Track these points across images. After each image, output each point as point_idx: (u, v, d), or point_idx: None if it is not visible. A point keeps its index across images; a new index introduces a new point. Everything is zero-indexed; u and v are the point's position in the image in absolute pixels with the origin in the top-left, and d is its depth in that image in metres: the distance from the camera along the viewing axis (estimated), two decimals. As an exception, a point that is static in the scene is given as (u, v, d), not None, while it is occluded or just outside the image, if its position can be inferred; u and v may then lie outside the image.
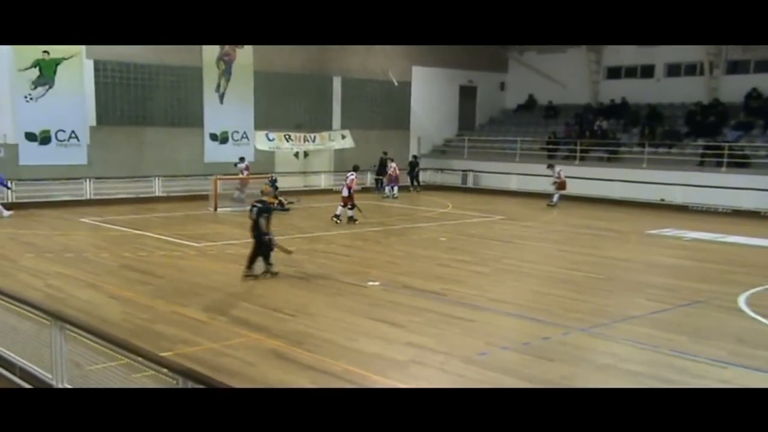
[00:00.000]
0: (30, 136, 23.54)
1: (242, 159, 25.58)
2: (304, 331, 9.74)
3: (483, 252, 16.62)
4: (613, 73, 33.69)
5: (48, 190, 23.29)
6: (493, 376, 8.17)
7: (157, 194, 25.31)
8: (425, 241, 17.89)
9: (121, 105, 25.44)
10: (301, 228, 19.65)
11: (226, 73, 27.52)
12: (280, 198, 23.44)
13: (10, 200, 21.75)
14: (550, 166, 26.87)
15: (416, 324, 10.22)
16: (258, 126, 28.24)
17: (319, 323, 10.19)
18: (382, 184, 29.41)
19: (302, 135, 29.12)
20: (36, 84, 23.43)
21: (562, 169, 26.51)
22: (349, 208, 20.46)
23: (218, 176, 23.86)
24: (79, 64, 24.07)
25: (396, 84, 32.20)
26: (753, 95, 28.73)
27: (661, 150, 28.48)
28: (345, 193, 20.51)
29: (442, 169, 33.70)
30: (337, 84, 31.03)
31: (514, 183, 30.09)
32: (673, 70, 31.78)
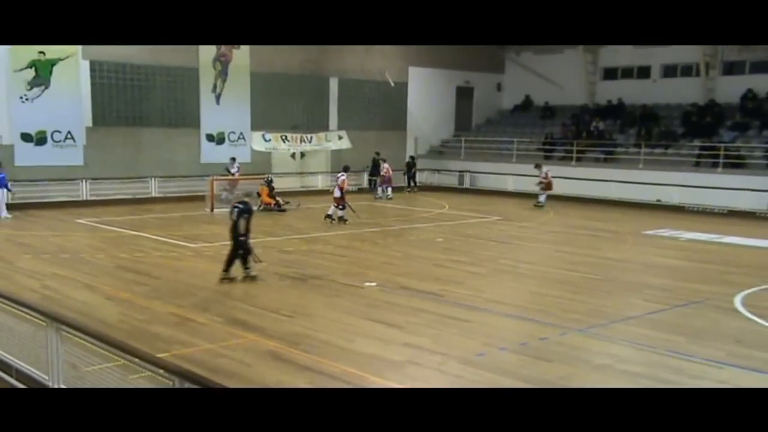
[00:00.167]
0: (26, 137, 23.46)
1: (233, 159, 25.54)
2: (302, 332, 9.73)
3: (480, 253, 16.63)
4: (610, 73, 33.74)
5: (44, 191, 23.23)
6: (490, 376, 8.16)
7: (153, 195, 25.27)
8: (422, 242, 17.89)
9: (117, 106, 25.38)
10: (299, 229, 19.65)
11: (223, 73, 27.47)
12: (278, 198, 23.47)
13: (6, 201, 21.66)
14: (538, 166, 26.76)
15: (413, 325, 10.22)
16: (255, 127, 28.20)
17: (316, 324, 10.18)
18: (376, 184, 29.39)
19: (299, 136, 29.10)
20: (32, 85, 23.35)
21: (550, 170, 26.48)
22: (340, 209, 20.47)
23: (215, 177, 23.84)
24: (75, 65, 24.01)
25: (393, 85, 32.20)
26: (749, 96, 28.80)
27: (657, 151, 28.53)
28: (337, 194, 20.51)
29: (438, 170, 33.71)
30: (333, 85, 31.00)
31: (510, 184, 30.11)
32: (669, 71, 31.85)
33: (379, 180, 28.86)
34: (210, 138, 27.48)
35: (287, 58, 28.42)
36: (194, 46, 26.03)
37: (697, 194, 25.24)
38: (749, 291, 12.76)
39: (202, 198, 23.78)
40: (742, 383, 8.11)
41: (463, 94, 35.90)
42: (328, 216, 20.54)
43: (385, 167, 28.47)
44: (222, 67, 27.41)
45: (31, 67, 23.26)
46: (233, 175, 24.87)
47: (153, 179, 25.47)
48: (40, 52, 23.25)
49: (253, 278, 12.69)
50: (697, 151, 27.55)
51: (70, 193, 23.74)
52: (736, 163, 26.21)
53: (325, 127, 30.60)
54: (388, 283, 12.81)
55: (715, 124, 28.53)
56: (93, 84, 24.64)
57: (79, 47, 23.73)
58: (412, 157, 32.29)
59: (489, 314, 11.05)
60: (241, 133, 28.09)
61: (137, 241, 17.19)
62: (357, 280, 12.99)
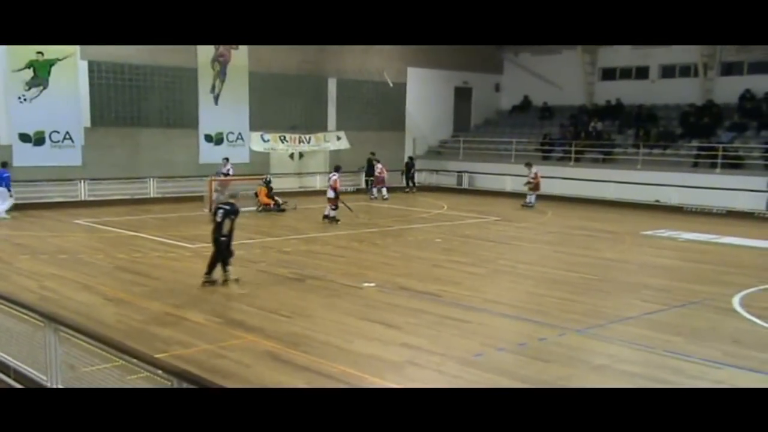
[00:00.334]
0: (24, 137, 23.44)
1: (226, 159, 25.50)
2: (300, 333, 9.72)
3: (478, 253, 16.63)
4: (608, 74, 33.75)
5: (42, 191, 23.21)
6: (489, 377, 8.17)
7: (151, 195, 25.26)
8: (421, 243, 17.89)
9: (115, 106, 25.37)
10: (297, 229, 19.65)
11: (221, 74, 27.46)
12: (276, 198, 23.47)
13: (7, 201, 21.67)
14: (528, 165, 26.81)
15: (412, 325, 10.22)
16: (253, 127, 28.19)
17: (315, 325, 10.17)
18: (371, 185, 29.38)
19: (297, 136, 29.10)
20: (30, 85, 23.33)
21: (539, 170, 26.53)
22: (333, 209, 20.49)
23: (213, 177, 23.83)
24: (73, 65, 23.99)
25: (391, 85, 32.20)
26: (747, 96, 28.84)
27: (655, 151, 28.55)
28: (330, 194, 20.52)
29: (437, 170, 33.71)
30: (332, 85, 31.00)
31: (509, 184, 30.10)
32: (667, 72, 31.88)
33: (373, 181, 28.88)
34: (208, 138, 27.46)
35: (286, 58, 28.43)
36: (192, 47, 26.03)
37: (695, 195, 25.26)
38: (747, 291, 12.77)
39: (200, 198, 23.75)
40: (740, 383, 8.12)
41: (462, 95, 35.91)
42: (326, 216, 20.56)
43: (379, 167, 28.46)
44: (220, 68, 27.40)
45: (29, 68, 23.24)
46: (225, 175, 24.77)
47: (151, 180, 25.46)
48: (38, 53, 23.23)
49: (236, 281, 12.37)
50: (695, 152, 27.59)
51: (68, 193, 23.73)
52: (735, 164, 26.23)
53: (323, 128, 30.60)
54: (386, 284, 12.80)
55: (713, 124, 28.56)
56: (91, 84, 24.63)
57: (78, 47, 23.72)
58: (410, 158, 32.30)
59: (487, 315, 11.05)
60: (240, 134, 28.09)
61: (135, 241, 17.18)
62: (356, 281, 12.99)
